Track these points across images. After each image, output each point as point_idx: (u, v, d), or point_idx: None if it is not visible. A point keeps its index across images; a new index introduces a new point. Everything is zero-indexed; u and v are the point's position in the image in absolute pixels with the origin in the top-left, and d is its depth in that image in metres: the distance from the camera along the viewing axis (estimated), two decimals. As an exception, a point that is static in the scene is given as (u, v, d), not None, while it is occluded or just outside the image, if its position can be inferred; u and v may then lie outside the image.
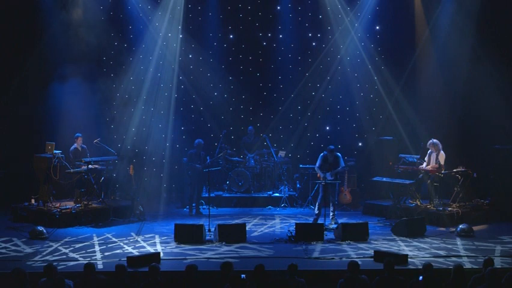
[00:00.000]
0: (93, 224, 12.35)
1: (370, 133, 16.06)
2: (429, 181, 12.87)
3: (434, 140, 12.83)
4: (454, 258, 9.77)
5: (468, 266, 9.24)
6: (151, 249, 10.37)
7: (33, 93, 14.62)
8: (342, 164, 12.49)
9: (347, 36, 15.89)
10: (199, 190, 13.96)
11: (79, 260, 9.61)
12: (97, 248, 10.50)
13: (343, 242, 10.79)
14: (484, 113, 14.14)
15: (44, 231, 11.23)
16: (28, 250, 10.27)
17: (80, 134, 13.52)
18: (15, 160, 14.30)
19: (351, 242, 10.79)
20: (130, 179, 13.51)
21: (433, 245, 10.70)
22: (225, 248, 10.45)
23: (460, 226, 11.53)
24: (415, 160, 13.35)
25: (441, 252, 10.16)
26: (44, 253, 10.07)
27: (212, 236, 11.05)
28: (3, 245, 10.62)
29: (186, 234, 10.88)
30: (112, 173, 13.84)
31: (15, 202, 13.06)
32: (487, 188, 13.45)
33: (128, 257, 9.47)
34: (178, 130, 15.75)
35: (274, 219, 13.22)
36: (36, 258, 9.72)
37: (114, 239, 11.15)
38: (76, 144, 13.44)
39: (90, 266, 7.73)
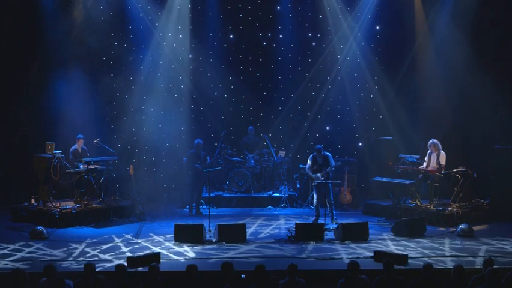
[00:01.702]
0: (93, 224, 12.34)
1: (370, 133, 16.08)
2: (429, 181, 12.87)
3: (434, 140, 12.83)
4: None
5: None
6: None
7: (34, 93, 14.63)
8: (333, 163, 12.48)
9: (347, 36, 15.89)
10: (199, 190, 13.95)
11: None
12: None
13: (343, 242, 10.79)
14: (484, 113, 14.17)
15: (44, 231, 11.23)
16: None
17: (81, 136, 13.48)
18: (15, 160, 14.31)
19: (351, 242, 10.78)
20: (130, 179, 13.52)
21: (432, 245, 10.70)
22: (225, 248, 10.45)
23: (460, 226, 11.53)
24: (415, 160, 13.35)
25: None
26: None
27: (212, 236, 11.05)
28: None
29: (186, 234, 10.87)
30: (112, 173, 13.83)
31: (15, 202, 13.05)
32: (487, 188, 13.43)
33: (128, 257, 9.46)
34: (178, 130, 15.75)
35: (278, 219, 13.18)
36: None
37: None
38: (76, 145, 13.42)
39: (90, 266, 7.72)
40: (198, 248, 10.48)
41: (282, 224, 12.60)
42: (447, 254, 10.08)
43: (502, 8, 14.27)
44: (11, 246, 10.51)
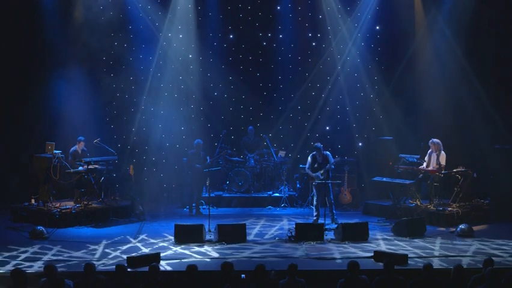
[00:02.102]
0: (93, 224, 12.33)
1: (370, 133, 16.08)
2: (429, 181, 12.86)
3: (435, 140, 12.82)
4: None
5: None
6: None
7: (34, 93, 14.62)
8: (332, 160, 12.49)
9: (347, 36, 15.89)
10: (199, 190, 13.95)
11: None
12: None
13: (343, 242, 10.79)
14: (483, 113, 14.17)
15: (44, 231, 11.24)
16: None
17: (83, 138, 13.46)
18: (15, 160, 14.31)
19: (351, 242, 10.77)
20: (130, 179, 13.51)
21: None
22: (225, 248, 10.45)
23: (460, 226, 11.53)
24: (415, 160, 13.34)
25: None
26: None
27: (212, 236, 11.05)
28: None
29: (186, 235, 10.86)
30: (112, 173, 13.82)
31: (15, 202, 13.05)
32: (487, 188, 13.44)
33: (128, 257, 9.45)
34: (178, 130, 15.75)
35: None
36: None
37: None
38: (76, 146, 13.41)
39: (90, 266, 7.72)
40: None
41: (286, 225, 12.53)
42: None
43: (501, 8, 14.27)
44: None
